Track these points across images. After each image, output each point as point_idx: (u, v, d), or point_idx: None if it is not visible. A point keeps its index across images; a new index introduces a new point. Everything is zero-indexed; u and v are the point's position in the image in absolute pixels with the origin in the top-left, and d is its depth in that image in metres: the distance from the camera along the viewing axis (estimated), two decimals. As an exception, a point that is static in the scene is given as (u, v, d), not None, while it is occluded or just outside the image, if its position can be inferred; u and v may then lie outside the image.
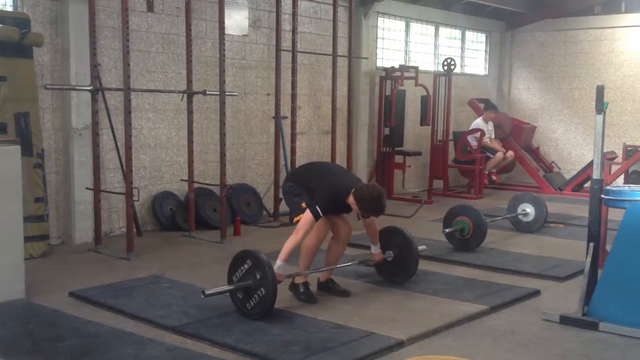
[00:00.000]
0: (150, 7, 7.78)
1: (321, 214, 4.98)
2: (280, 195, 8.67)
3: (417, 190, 11.48)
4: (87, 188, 7.01)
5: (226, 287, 4.84)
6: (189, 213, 7.64)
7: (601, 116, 4.89)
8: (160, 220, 7.92)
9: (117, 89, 7.01)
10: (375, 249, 5.62)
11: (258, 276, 4.70)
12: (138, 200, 7.16)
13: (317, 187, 5.18)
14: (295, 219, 5.37)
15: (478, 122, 11.42)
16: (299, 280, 5.27)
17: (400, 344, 4.33)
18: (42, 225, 6.61)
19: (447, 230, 7.04)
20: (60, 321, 4.67)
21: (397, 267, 5.73)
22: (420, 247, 5.81)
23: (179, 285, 5.57)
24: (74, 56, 6.97)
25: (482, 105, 11.98)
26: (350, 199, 5.07)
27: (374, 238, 5.58)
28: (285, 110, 8.75)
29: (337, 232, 5.40)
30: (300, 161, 9.10)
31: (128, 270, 6.12)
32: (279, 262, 4.86)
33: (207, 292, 4.69)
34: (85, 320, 4.68)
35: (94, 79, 6.81)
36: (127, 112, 6.55)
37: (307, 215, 5.00)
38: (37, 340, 4.30)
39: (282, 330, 4.54)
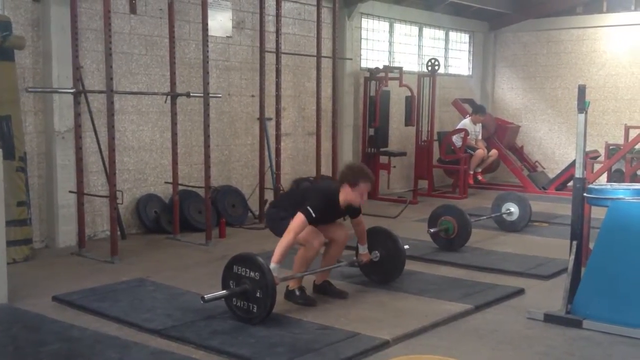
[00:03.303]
0: (132, 9, 7.75)
1: (313, 215, 4.92)
2: (265, 197, 8.69)
3: (402, 191, 11.50)
4: (70, 191, 6.96)
5: (225, 292, 4.78)
6: (174, 215, 7.61)
7: (583, 115, 4.92)
8: (144, 223, 7.88)
9: (100, 92, 6.97)
10: (363, 250, 5.63)
11: (256, 279, 4.64)
12: (122, 203, 7.13)
13: (307, 194, 5.19)
14: None
15: (465, 123, 11.47)
16: (293, 285, 5.24)
17: (385, 344, 4.34)
18: (25, 229, 6.55)
19: (432, 230, 7.06)
20: (43, 326, 4.63)
21: (384, 267, 5.73)
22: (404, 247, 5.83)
23: (163, 288, 5.54)
24: (56, 59, 6.93)
25: (467, 106, 12.04)
26: (342, 190, 5.07)
27: (362, 238, 5.59)
28: (270, 112, 8.74)
29: (334, 237, 5.38)
30: (285, 162, 9.12)
31: (112, 273, 6.08)
32: (272, 265, 4.82)
33: (207, 297, 4.66)
34: (68, 324, 4.64)
35: (77, 82, 6.77)
36: (110, 114, 6.51)
37: (298, 217, 4.94)
38: (20, 345, 4.26)
39: (267, 331, 4.53)
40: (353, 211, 5.39)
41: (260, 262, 4.69)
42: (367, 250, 5.64)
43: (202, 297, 4.64)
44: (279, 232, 5.07)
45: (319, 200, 5.05)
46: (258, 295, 4.64)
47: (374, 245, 5.71)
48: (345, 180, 5.10)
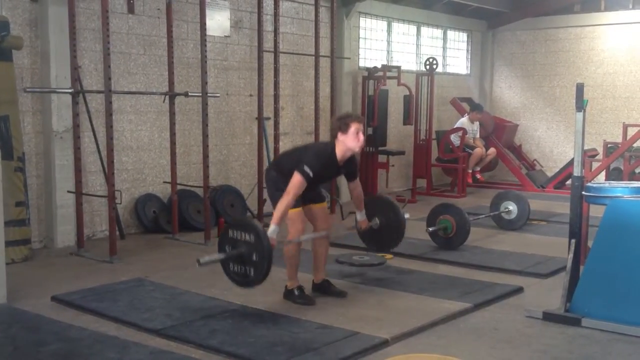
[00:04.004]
0: (130, 9, 7.74)
1: (310, 174, 4.86)
2: (265, 197, 8.67)
3: (401, 190, 11.52)
4: (68, 191, 6.96)
5: (220, 256, 4.77)
6: (172, 215, 7.61)
7: (581, 114, 4.93)
8: (143, 222, 7.88)
9: (98, 91, 6.97)
10: (361, 216, 5.56)
11: (251, 241, 4.61)
12: (120, 203, 7.12)
13: (303, 154, 5.08)
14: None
15: (463, 121, 11.50)
16: (292, 285, 5.23)
17: (384, 343, 4.34)
18: (24, 229, 6.55)
19: (430, 229, 7.06)
20: (42, 326, 4.63)
21: (383, 235, 5.66)
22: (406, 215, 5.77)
23: (162, 288, 5.54)
24: (54, 59, 6.92)
25: (465, 105, 12.04)
26: (338, 143, 5.01)
27: (359, 203, 5.53)
28: (268, 111, 8.73)
29: (316, 226, 5.32)
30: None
31: (111, 273, 6.08)
32: (272, 226, 4.78)
33: (202, 260, 4.67)
34: (67, 324, 4.64)
35: (75, 82, 6.76)
36: (109, 114, 6.51)
37: (296, 177, 4.88)
38: (18, 345, 4.26)
39: (266, 331, 4.53)
40: (350, 173, 5.33)
41: (255, 225, 4.68)
42: (365, 217, 5.56)
43: (198, 260, 4.64)
44: (274, 203, 5.05)
45: (315, 159, 4.97)
46: (254, 258, 4.61)
47: (374, 213, 5.62)
48: (336, 131, 5.03)
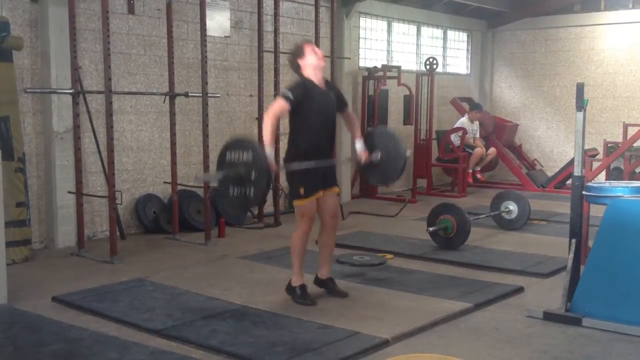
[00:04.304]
0: (131, 9, 7.74)
1: (291, 96, 4.94)
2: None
3: (401, 190, 11.52)
4: (69, 192, 6.96)
5: (219, 174, 4.76)
6: (173, 215, 7.61)
7: (581, 113, 4.93)
8: (143, 223, 7.88)
9: (99, 92, 6.97)
10: (361, 146, 5.48)
11: (249, 160, 4.60)
12: (121, 204, 7.12)
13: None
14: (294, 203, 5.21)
15: (463, 121, 11.51)
16: (295, 282, 5.21)
17: (385, 343, 4.34)
18: (24, 230, 6.55)
19: (431, 229, 7.06)
20: (43, 326, 4.63)
21: (384, 169, 5.54)
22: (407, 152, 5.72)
23: (163, 288, 5.54)
24: (54, 59, 6.92)
25: (465, 105, 12.04)
26: (301, 70, 5.12)
27: (355, 131, 5.53)
28: (268, 111, 8.72)
29: (322, 213, 5.27)
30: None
31: (111, 273, 6.08)
32: (266, 149, 4.79)
33: (200, 176, 4.68)
34: (68, 325, 4.64)
35: (75, 82, 6.76)
36: (109, 114, 6.52)
37: (276, 101, 5.07)
38: (19, 345, 4.26)
39: (266, 331, 4.53)
40: (340, 103, 5.35)
41: (252, 141, 4.68)
42: (364, 148, 5.48)
43: (196, 176, 4.65)
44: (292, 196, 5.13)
45: (292, 86, 5.04)
46: (253, 177, 4.58)
47: (375, 146, 5.54)
48: (295, 61, 5.15)
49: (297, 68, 5.18)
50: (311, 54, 5.13)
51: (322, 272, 5.44)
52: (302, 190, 5.03)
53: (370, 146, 5.51)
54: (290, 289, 5.26)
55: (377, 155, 5.48)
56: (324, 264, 5.44)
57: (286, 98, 4.96)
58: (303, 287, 5.23)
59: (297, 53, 5.17)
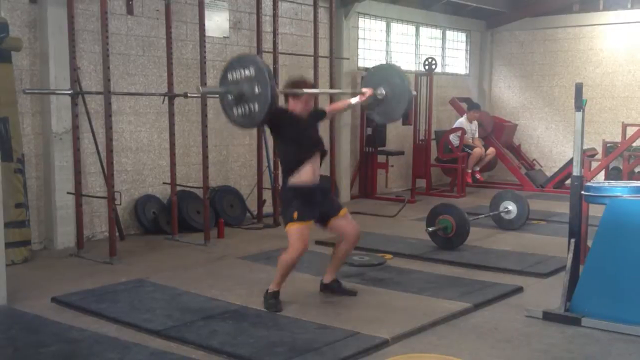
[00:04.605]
0: (129, 10, 7.74)
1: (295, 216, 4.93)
2: (265, 197, 8.70)
3: (400, 190, 11.52)
4: (68, 192, 6.96)
5: (222, 88, 4.71)
6: (172, 216, 7.60)
7: (580, 113, 4.93)
8: (143, 223, 7.88)
9: (98, 93, 6.97)
10: (355, 99, 5.48)
11: (251, 75, 4.53)
12: (120, 204, 7.13)
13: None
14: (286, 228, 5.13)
15: (461, 121, 11.51)
16: (273, 288, 5.09)
17: (384, 343, 4.34)
18: (24, 230, 6.55)
19: (430, 229, 7.06)
20: (42, 327, 4.63)
21: (389, 105, 5.43)
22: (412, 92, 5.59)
23: (162, 289, 5.54)
24: (53, 60, 6.92)
25: (464, 105, 12.05)
26: (290, 102, 5.08)
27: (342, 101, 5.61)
28: (268, 112, 8.72)
29: (345, 232, 5.24)
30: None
31: (111, 274, 6.08)
32: None
33: (202, 89, 4.68)
34: (67, 325, 4.64)
35: (74, 83, 6.76)
36: (108, 115, 6.52)
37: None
38: (19, 346, 4.26)
39: (266, 331, 4.53)
40: (319, 116, 5.40)
41: (253, 56, 4.65)
42: (367, 85, 5.44)
43: (198, 87, 4.65)
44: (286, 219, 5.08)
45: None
46: (256, 91, 4.51)
47: (380, 82, 5.42)
48: (287, 93, 5.10)
49: (285, 99, 5.11)
50: (303, 104, 5.06)
51: (327, 277, 5.43)
52: (295, 215, 4.94)
53: (373, 83, 5.41)
54: (266, 294, 5.12)
55: (382, 91, 5.35)
56: (332, 271, 5.42)
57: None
58: (277, 293, 5.10)
59: (293, 94, 5.05)
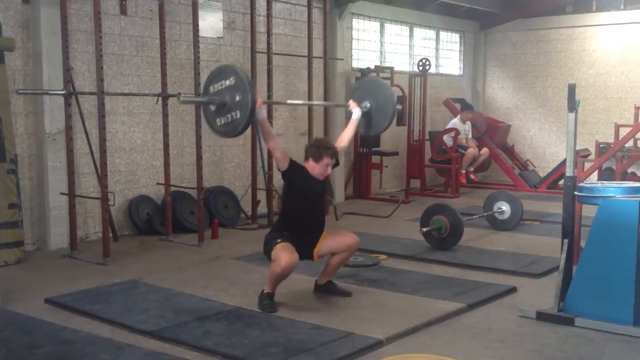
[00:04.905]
0: (123, 10, 7.72)
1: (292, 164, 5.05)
2: (259, 198, 8.69)
3: (395, 190, 11.54)
4: (61, 193, 6.94)
5: (203, 98, 4.84)
6: (166, 217, 7.59)
7: (573, 114, 4.95)
8: (136, 224, 7.86)
9: (91, 93, 6.95)
10: (355, 112, 5.57)
11: (232, 84, 4.68)
12: (114, 205, 7.10)
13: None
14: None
15: (455, 122, 11.53)
16: (267, 290, 5.09)
17: (379, 344, 4.35)
18: (17, 231, 6.52)
19: (424, 230, 7.07)
20: (35, 328, 4.61)
21: (373, 119, 5.62)
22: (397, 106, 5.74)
23: (156, 290, 5.53)
24: (46, 60, 6.90)
25: (458, 105, 12.07)
26: (307, 164, 5.13)
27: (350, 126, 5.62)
28: (262, 112, 8.71)
29: (346, 243, 5.28)
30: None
31: (105, 275, 6.06)
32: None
33: (183, 97, 4.77)
34: (61, 326, 4.63)
35: (67, 83, 6.74)
36: (101, 116, 6.50)
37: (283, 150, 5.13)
38: (12, 347, 4.24)
39: (260, 332, 4.53)
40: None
41: (232, 67, 4.75)
42: (353, 100, 5.59)
43: (179, 95, 4.78)
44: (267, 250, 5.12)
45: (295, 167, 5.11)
46: (237, 98, 4.62)
47: (364, 95, 5.61)
48: (309, 155, 5.14)
49: (305, 157, 5.16)
50: (323, 169, 5.11)
51: (322, 279, 5.44)
52: (279, 240, 5.01)
53: (361, 96, 5.58)
54: (260, 295, 5.12)
55: (366, 104, 5.56)
56: (327, 275, 5.42)
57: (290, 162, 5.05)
58: (272, 295, 5.11)
59: (314, 155, 5.09)
